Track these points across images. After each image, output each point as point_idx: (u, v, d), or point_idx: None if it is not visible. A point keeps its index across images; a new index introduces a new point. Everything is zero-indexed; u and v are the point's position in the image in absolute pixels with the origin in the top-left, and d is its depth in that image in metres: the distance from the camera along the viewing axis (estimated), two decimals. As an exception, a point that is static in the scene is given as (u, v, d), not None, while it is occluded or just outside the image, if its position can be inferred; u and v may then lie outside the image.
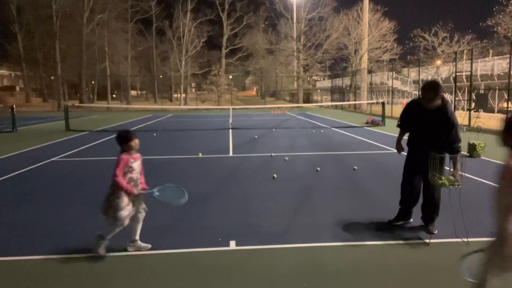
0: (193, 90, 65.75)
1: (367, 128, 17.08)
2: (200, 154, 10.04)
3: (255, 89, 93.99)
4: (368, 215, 5.03)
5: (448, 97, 27.86)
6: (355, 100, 33.70)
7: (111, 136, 14.53)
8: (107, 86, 44.30)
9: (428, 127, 4.29)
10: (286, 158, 9.55)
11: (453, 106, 18.81)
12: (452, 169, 4.17)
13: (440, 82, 4.40)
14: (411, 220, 4.76)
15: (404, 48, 47.38)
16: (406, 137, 4.77)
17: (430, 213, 4.45)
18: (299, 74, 46.33)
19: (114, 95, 52.58)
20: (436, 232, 4.37)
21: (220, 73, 48.17)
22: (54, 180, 7.39)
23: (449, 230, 4.41)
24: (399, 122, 4.77)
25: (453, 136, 4.16)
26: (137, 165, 4.05)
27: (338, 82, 42.99)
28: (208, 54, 54.03)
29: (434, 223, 4.45)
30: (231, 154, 10.23)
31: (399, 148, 4.77)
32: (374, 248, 4.08)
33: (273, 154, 10.03)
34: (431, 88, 4.16)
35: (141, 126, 19.39)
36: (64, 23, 39.34)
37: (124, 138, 4.08)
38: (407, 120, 4.64)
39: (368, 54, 36.87)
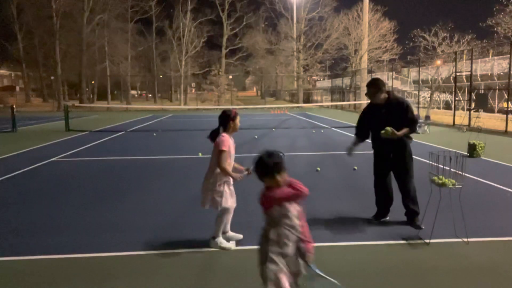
0: (193, 90, 65.74)
1: (367, 128, 17.05)
2: (200, 154, 10.04)
3: (255, 89, 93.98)
4: (368, 215, 5.02)
5: (448, 97, 27.79)
6: (355, 100, 33.69)
7: (111, 136, 14.52)
8: (107, 86, 44.30)
9: (385, 121, 4.47)
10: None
11: (453, 106, 18.81)
12: (453, 170, 4.18)
13: (381, 79, 4.73)
14: (388, 218, 4.87)
15: (404, 48, 47.31)
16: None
17: (411, 206, 4.62)
18: (299, 74, 46.32)
19: (115, 92, 52.61)
20: (423, 227, 4.47)
21: (220, 73, 48.14)
22: (54, 180, 7.39)
23: (449, 230, 4.41)
24: (355, 131, 5.02)
25: (410, 116, 4.45)
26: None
27: (338, 82, 42.97)
28: (208, 54, 54.08)
29: (418, 217, 4.61)
30: (231, 154, 10.22)
31: (349, 150, 4.98)
32: (374, 248, 4.08)
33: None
34: (372, 84, 4.56)
35: (141, 126, 19.39)
36: (64, 23, 39.26)
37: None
38: (363, 126, 4.89)
39: (368, 54, 36.83)
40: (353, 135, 5.07)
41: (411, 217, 4.66)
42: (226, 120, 3.96)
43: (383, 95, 4.53)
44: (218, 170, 3.89)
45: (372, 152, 4.92)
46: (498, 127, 15.86)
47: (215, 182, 3.91)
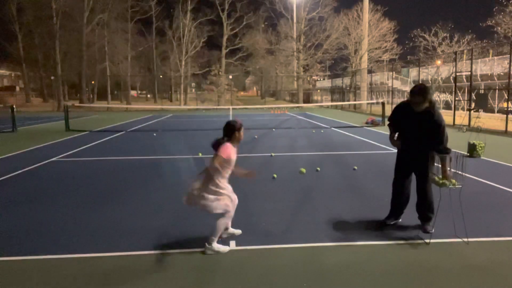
0: (193, 90, 65.72)
1: (367, 128, 17.08)
2: (200, 154, 10.04)
3: (255, 89, 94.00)
4: (368, 215, 5.03)
5: (448, 97, 27.81)
6: (355, 100, 33.69)
7: (111, 136, 14.53)
8: (107, 86, 44.32)
9: (416, 129, 4.36)
10: (272, 154, 9.85)
11: (453, 106, 18.81)
12: (453, 170, 4.17)
13: (428, 86, 4.47)
14: (400, 220, 4.78)
15: (404, 48, 47.40)
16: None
17: (425, 212, 4.48)
18: (299, 74, 46.32)
19: (115, 92, 52.61)
20: (433, 231, 4.37)
21: (220, 73, 48.14)
22: (54, 180, 7.39)
23: (449, 230, 4.41)
24: (389, 122, 4.80)
25: (440, 136, 4.24)
26: None
27: (338, 82, 42.97)
28: (208, 54, 54.07)
29: (430, 222, 4.46)
30: (231, 154, 10.22)
31: (395, 143, 4.70)
32: (374, 248, 4.08)
33: (273, 154, 10.03)
34: (420, 93, 4.24)
35: (141, 126, 19.39)
36: (64, 23, 39.24)
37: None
38: (396, 120, 4.68)
39: (368, 54, 36.86)
40: (387, 126, 4.82)
41: (423, 221, 4.51)
42: (232, 131, 3.97)
43: (426, 104, 4.27)
44: (215, 174, 3.91)
45: (396, 151, 4.73)
46: (498, 127, 15.85)
47: (214, 186, 3.92)
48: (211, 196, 3.90)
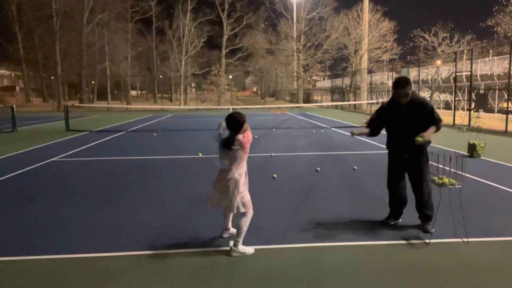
0: (193, 90, 65.70)
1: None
2: (200, 154, 10.04)
3: (255, 88, 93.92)
4: (368, 215, 5.03)
5: (448, 97, 27.78)
6: (355, 100, 33.71)
7: (111, 136, 14.52)
8: (107, 86, 44.30)
9: (408, 120, 4.38)
10: (272, 154, 9.88)
11: (453, 106, 18.82)
12: (453, 170, 4.17)
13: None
14: (400, 220, 4.77)
15: (404, 48, 47.42)
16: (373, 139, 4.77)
17: (424, 211, 4.47)
18: (299, 74, 46.32)
19: (115, 92, 52.57)
20: (433, 230, 4.37)
21: (220, 73, 48.13)
22: (54, 180, 7.39)
23: (449, 230, 4.41)
24: (368, 124, 4.79)
25: (436, 116, 4.32)
26: None
27: (338, 82, 43.00)
28: (208, 54, 54.04)
29: (430, 222, 4.46)
30: (231, 154, 10.21)
31: (353, 133, 4.85)
32: (374, 248, 4.08)
33: (273, 154, 10.03)
34: (406, 83, 4.32)
35: (141, 126, 19.39)
36: (64, 23, 39.25)
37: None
38: (378, 123, 4.69)
39: (368, 54, 36.86)
40: (365, 126, 4.84)
41: (423, 220, 4.50)
42: (240, 126, 3.97)
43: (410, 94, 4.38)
44: (241, 171, 4.00)
45: (387, 152, 4.73)
46: (498, 127, 15.85)
47: (239, 184, 3.95)
48: (246, 193, 3.99)
